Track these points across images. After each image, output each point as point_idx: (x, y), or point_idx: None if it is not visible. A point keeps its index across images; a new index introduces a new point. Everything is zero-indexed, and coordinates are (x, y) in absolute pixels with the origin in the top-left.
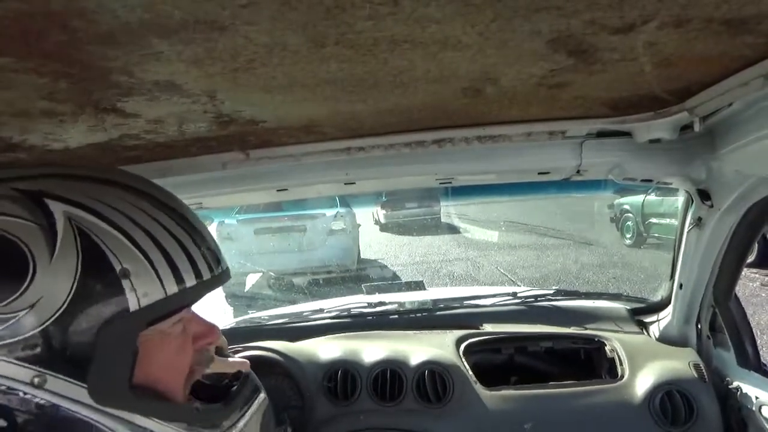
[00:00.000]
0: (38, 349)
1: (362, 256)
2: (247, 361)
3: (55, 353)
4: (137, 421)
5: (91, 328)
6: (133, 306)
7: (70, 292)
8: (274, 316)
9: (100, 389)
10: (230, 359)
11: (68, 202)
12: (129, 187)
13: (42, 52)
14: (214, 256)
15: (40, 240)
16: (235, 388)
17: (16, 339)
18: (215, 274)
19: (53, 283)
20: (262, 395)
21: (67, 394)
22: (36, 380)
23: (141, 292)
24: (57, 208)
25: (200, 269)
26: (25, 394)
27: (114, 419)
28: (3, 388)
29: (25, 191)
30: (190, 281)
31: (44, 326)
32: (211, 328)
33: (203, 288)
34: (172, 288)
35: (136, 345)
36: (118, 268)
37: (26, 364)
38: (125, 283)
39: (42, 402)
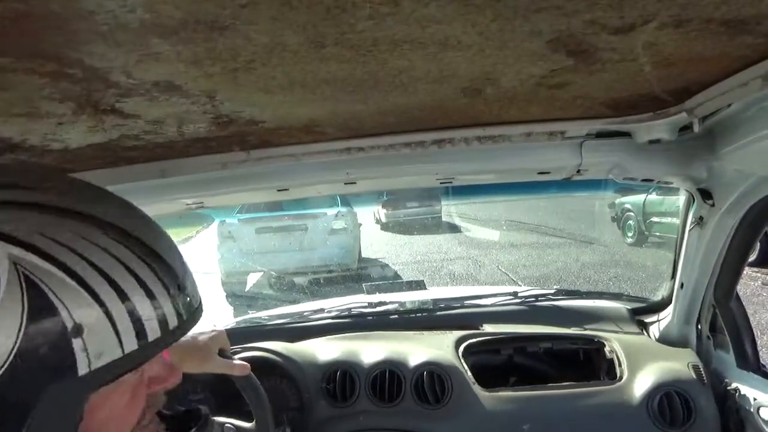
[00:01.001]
0: None
1: (363, 255)
2: (248, 365)
3: None
4: None
5: (29, 394)
6: (82, 369)
7: (10, 354)
8: (274, 316)
9: None
10: (232, 362)
11: (15, 242)
12: (91, 217)
13: (41, 52)
14: (185, 298)
15: None
16: (193, 430)
17: None
18: (184, 319)
19: None
20: None
21: None
22: None
23: (94, 352)
24: (2, 252)
25: (167, 318)
26: None
27: None
28: None
29: None
30: (154, 335)
31: None
32: (172, 370)
33: (169, 338)
34: (132, 345)
35: (81, 410)
36: (69, 325)
37: None
38: (76, 343)
39: None
